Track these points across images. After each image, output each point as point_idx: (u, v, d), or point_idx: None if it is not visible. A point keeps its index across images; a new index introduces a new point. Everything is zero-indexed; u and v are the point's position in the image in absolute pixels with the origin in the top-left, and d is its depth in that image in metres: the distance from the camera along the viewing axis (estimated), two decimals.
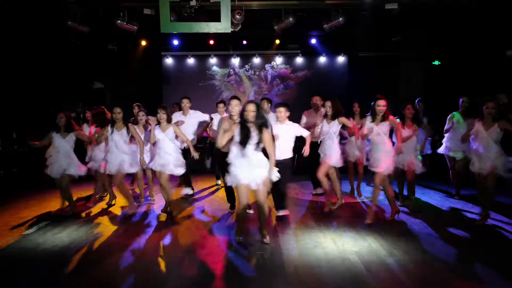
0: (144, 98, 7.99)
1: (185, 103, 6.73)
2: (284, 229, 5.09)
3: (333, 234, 4.84)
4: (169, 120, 5.61)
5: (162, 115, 5.53)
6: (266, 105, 6.51)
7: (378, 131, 5.25)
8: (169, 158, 5.51)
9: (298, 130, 5.50)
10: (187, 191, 7.00)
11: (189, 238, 4.79)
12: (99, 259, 4.12)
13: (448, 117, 6.55)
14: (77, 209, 6.00)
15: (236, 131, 4.35)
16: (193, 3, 6.40)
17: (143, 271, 3.84)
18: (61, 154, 5.69)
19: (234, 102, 5.12)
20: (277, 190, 5.38)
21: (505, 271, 3.74)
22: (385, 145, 5.23)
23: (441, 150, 6.73)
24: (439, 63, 10.65)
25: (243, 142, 4.27)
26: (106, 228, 5.19)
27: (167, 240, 4.74)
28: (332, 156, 5.67)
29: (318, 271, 3.75)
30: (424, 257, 4.09)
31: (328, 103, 5.67)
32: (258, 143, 4.27)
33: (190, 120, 6.68)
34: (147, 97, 9.69)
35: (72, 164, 5.74)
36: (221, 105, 6.92)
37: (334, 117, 5.62)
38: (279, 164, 5.19)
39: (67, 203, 5.99)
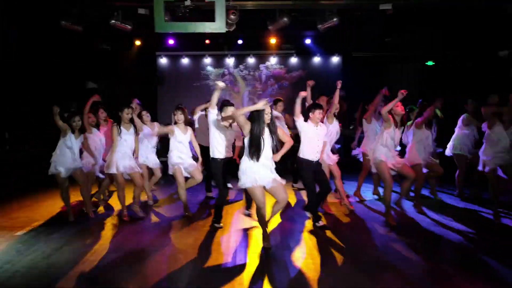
0: (138, 98, 7.93)
1: None
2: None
3: None
4: (186, 122, 5.43)
5: (180, 116, 5.36)
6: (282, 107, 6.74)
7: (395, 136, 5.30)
8: (188, 159, 5.43)
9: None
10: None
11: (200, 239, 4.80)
12: (96, 260, 4.10)
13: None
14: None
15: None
16: (187, 3, 6.39)
17: (147, 270, 3.83)
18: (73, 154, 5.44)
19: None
20: (322, 194, 5.19)
21: None
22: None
23: (447, 151, 6.73)
24: (433, 63, 10.70)
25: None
26: (109, 230, 5.18)
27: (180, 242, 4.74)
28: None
29: None
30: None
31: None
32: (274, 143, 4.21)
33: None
34: (141, 97, 9.59)
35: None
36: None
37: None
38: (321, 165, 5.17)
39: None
